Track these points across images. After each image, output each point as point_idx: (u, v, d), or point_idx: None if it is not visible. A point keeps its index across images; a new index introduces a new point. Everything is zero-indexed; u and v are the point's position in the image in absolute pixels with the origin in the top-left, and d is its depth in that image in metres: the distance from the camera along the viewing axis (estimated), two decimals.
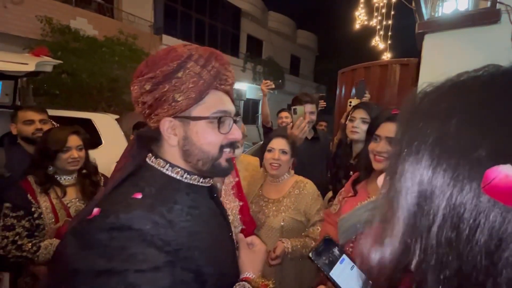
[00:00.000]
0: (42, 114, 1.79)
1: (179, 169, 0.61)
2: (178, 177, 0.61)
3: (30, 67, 2.17)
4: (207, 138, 0.59)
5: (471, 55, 1.70)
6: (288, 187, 1.44)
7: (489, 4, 1.74)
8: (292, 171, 1.51)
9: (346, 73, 3.35)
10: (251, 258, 0.70)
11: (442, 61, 1.84)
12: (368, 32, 4.68)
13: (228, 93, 0.64)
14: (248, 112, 13.80)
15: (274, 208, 1.41)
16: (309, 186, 1.43)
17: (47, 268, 1.22)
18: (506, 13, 1.64)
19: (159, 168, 0.61)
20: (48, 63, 2.44)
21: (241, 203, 1.20)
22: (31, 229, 1.26)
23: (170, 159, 0.61)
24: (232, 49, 12.77)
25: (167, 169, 0.61)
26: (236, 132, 0.62)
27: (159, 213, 0.53)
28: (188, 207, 0.59)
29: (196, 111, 0.58)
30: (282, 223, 1.36)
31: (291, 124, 1.68)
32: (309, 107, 1.92)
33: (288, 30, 15.62)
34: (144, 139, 0.64)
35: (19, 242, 1.22)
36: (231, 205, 1.16)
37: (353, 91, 3.03)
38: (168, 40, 9.34)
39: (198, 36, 11.22)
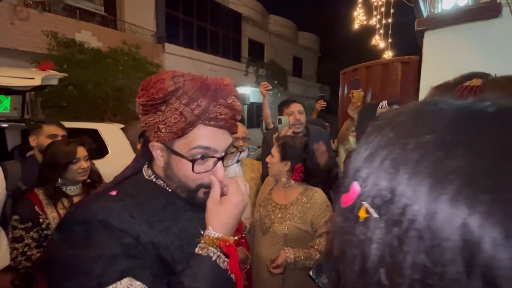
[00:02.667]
0: (64, 130, 1.87)
1: (162, 182, 0.65)
2: (161, 185, 0.65)
3: (36, 81, 2.23)
4: (185, 173, 0.59)
5: (472, 50, 1.68)
6: (296, 194, 1.41)
7: None
8: (292, 180, 1.45)
9: (347, 73, 3.34)
10: (215, 212, 0.56)
11: (443, 57, 1.82)
12: (370, 31, 4.66)
13: (222, 127, 0.59)
14: (252, 116, 13.82)
15: (280, 215, 1.39)
16: (318, 196, 1.38)
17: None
18: (507, 7, 1.61)
19: (146, 176, 0.66)
20: (53, 76, 2.50)
21: None
22: (39, 239, 1.29)
23: (158, 173, 0.66)
24: (234, 54, 12.86)
25: (152, 179, 0.66)
26: (218, 172, 0.59)
27: (123, 206, 0.57)
28: (161, 206, 0.62)
29: (178, 144, 0.58)
30: (286, 231, 1.33)
31: (277, 133, 1.73)
32: (296, 106, 1.93)
33: (289, 32, 15.66)
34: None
35: (29, 253, 1.25)
36: None
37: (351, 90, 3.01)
38: (171, 48, 9.48)
39: (200, 43, 11.34)
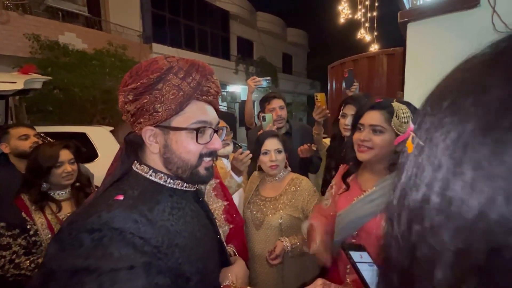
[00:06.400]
0: (34, 130, 1.82)
1: (162, 175, 0.63)
2: (161, 182, 0.63)
3: (19, 85, 2.18)
4: (186, 147, 0.61)
5: (454, 40, 1.71)
6: (284, 184, 1.45)
7: None
8: (289, 168, 1.51)
9: (335, 67, 3.37)
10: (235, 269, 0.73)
11: (426, 48, 1.85)
12: (357, 25, 4.70)
13: (211, 103, 0.65)
14: (244, 114, 13.78)
15: (271, 206, 1.42)
16: (305, 183, 1.44)
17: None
18: None
19: (143, 173, 0.63)
20: (37, 80, 2.44)
21: (225, 203, 1.21)
22: (28, 246, 1.26)
23: (153, 165, 0.63)
24: (223, 52, 12.79)
25: (150, 175, 0.63)
26: (216, 142, 0.64)
27: (139, 211, 0.54)
28: (170, 207, 0.61)
29: (176, 121, 0.60)
30: (280, 221, 1.37)
31: (261, 131, 1.72)
32: (277, 102, 1.91)
33: (277, 29, 15.65)
34: (132, 145, 0.65)
35: (17, 261, 1.22)
36: (214, 206, 1.17)
37: (343, 83, 3.04)
38: (159, 48, 9.34)
39: (188, 42, 11.23)
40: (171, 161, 0.61)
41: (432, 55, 1.77)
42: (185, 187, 0.66)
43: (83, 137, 3.13)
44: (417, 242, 0.21)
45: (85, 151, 1.92)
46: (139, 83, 0.57)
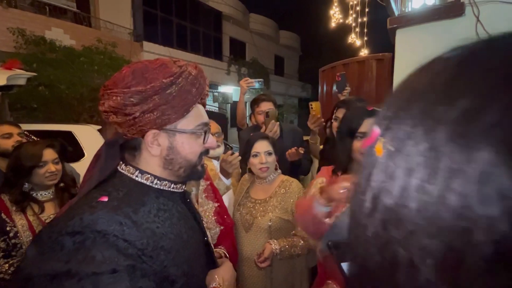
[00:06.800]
0: (19, 128, 1.78)
1: (149, 175, 0.62)
2: (147, 183, 0.62)
3: (1, 81, 2.10)
4: (191, 148, 0.63)
5: (439, 47, 1.76)
6: (274, 187, 1.45)
7: None
8: (279, 170, 1.52)
9: (326, 71, 3.41)
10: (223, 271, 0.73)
11: (414, 54, 1.91)
12: (348, 29, 4.79)
13: (204, 105, 0.69)
14: (235, 115, 13.75)
15: (261, 208, 1.41)
16: (295, 185, 1.44)
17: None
18: (470, 6, 1.72)
19: (128, 174, 0.62)
20: (21, 76, 2.37)
21: (216, 205, 1.20)
22: (7, 249, 1.21)
23: (143, 167, 0.62)
24: (215, 53, 12.74)
25: (136, 176, 0.62)
26: (211, 141, 0.67)
27: (124, 213, 0.53)
28: (156, 209, 0.60)
29: (182, 124, 0.61)
30: (269, 223, 1.36)
31: (264, 127, 1.71)
32: (266, 105, 1.92)
33: (270, 31, 15.74)
34: (116, 148, 0.63)
35: None
36: (204, 208, 1.16)
37: (334, 86, 3.09)
38: (150, 47, 9.23)
39: (179, 41, 11.12)
40: (175, 162, 0.62)
41: (420, 60, 1.81)
42: (172, 188, 0.65)
43: (69, 135, 3.05)
44: (395, 245, 0.21)
45: (71, 150, 1.87)
46: (148, 86, 0.55)
